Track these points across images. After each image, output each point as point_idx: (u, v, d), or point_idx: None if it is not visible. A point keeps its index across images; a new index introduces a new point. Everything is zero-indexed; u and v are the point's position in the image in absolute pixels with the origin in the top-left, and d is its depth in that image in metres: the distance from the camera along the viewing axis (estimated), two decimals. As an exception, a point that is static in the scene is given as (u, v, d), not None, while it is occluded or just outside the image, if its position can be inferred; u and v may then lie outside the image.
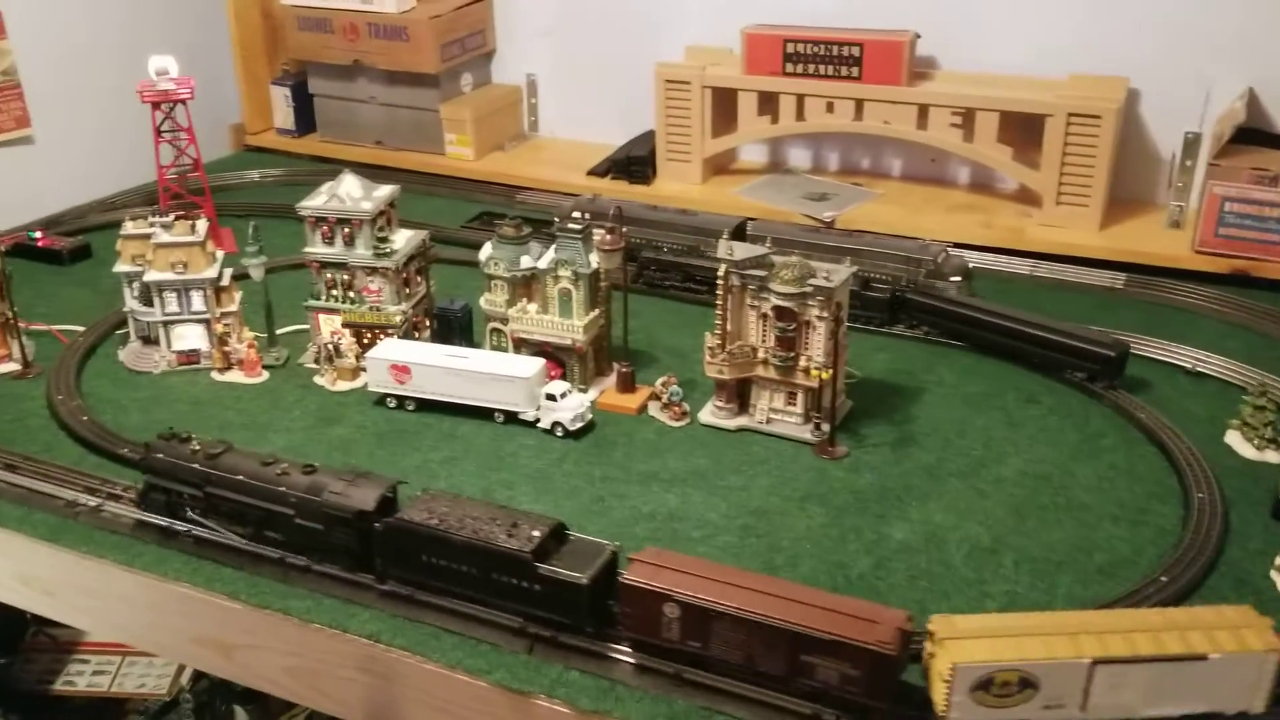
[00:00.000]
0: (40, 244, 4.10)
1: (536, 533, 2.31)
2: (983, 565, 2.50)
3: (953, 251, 3.70)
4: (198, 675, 4.28)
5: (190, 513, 2.60)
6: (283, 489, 2.49)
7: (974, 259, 3.81)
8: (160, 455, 2.64)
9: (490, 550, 2.29)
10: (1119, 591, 2.39)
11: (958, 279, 3.54)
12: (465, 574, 2.33)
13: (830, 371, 2.84)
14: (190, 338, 3.35)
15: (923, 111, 4.11)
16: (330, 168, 4.77)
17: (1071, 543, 2.57)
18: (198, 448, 2.62)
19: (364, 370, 3.24)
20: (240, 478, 2.54)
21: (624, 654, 2.25)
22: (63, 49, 4.64)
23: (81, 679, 4.46)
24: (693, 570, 2.20)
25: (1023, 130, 4.01)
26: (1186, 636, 2.03)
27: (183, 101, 3.76)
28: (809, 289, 2.83)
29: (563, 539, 2.36)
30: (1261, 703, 2.06)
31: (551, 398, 3.03)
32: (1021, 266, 3.89)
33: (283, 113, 5.19)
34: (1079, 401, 3.13)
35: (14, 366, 3.33)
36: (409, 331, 3.36)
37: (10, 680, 4.42)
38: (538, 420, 3.05)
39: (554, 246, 3.20)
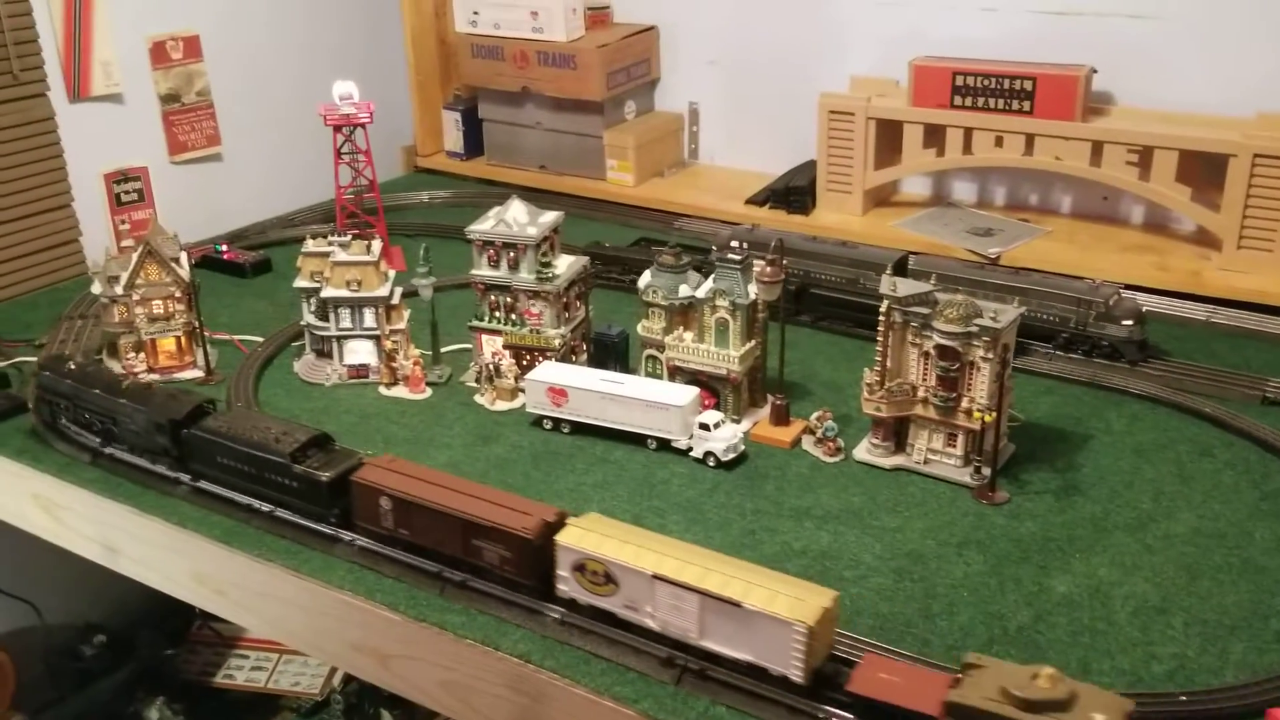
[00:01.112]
0: (225, 257, 4.33)
1: (298, 439, 2.79)
2: (1149, 625, 2.40)
3: (1125, 293, 3.57)
4: (348, 677, 4.42)
5: (62, 420, 3.14)
6: (122, 400, 3.02)
7: (1147, 302, 3.67)
8: (46, 373, 3.18)
9: (261, 453, 2.80)
10: (1299, 662, 2.27)
11: (1130, 322, 3.42)
12: (246, 472, 2.84)
13: (994, 414, 2.78)
14: (361, 352, 3.48)
15: (1097, 148, 3.99)
16: (496, 190, 4.94)
17: (1247, 607, 2.45)
18: (72, 367, 3.18)
19: (522, 391, 3.31)
20: (95, 391, 3.07)
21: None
22: (251, 72, 4.90)
23: (240, 673, 4.67)
24: (410, 473, 2.65)
25: (1204, 170, 3.86)
26: (737, 583, 2.20)
27: (362, 125, 3.92)
28: (974, 329, 2.78)
29: (324, 447, 2.82)
30: (799, 674, 2.14)
31: (705, 427, 3.04)
32: (1198, 312, 3.73)
33: (452, 136, 5.36)
34: (1257, 456, 2.98)
35: (198, 373, 3.52)
36: (567, 355, 3.42)
37: (175, 670, 4.65)
38: (690, 449, 3.07)
39: (712, 276, 3.21)
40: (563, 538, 2.40)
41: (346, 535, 2.73)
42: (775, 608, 2.14)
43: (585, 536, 2.40)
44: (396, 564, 2.64)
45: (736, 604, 2.18)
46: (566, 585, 2.41)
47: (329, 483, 2.72)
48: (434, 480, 2.64)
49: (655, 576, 2.28)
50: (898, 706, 2.01)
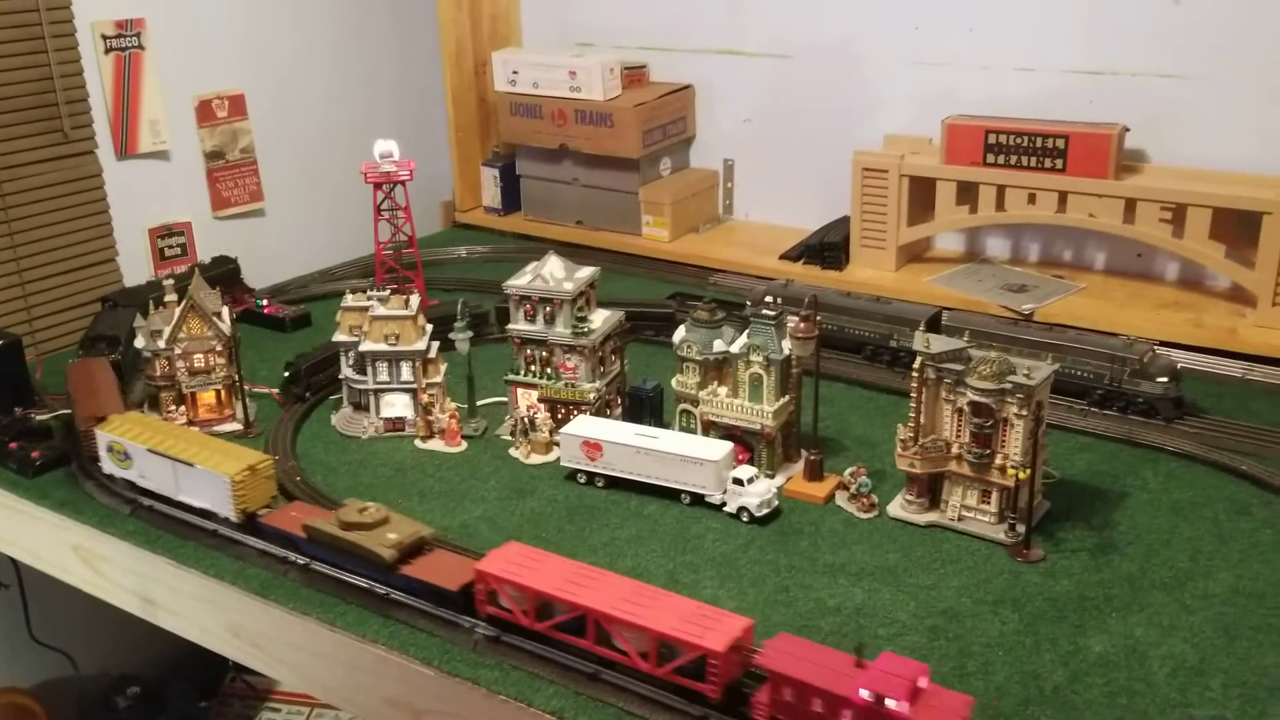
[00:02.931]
0: (266, 311, 4.40)
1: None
2: (1187, 686, 2.37)
3: (1160, 350, 3.56)
4: (381, 731, 4.42)
5: None
6: None
7: (1183, 359, 3.66)
8: None
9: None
10: (1343, 727, 2.23)
11: (1165, 379, 3.41)
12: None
13: (1028, 471, 2.77)
14: (398, 406, 3.52)
15: (1130, 205, 4.00)
16: (533, 245, 5.00)
17: (1289, 669, 2.42)
18: None
19: (557, 445, 3.33)
20: None
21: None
22: (294, 130, 5.01)
23: (273, 726, 4.68)
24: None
25: (1238, 227, 3.85)
26: (195, 450, 3.03)
27: (402, 182, 3.99)
28: (1008, 386, 2.78)
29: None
30: (232, 514, 2.96)
31: (739, 482, 3.05)
32: (1234, 369, 3.71)
33: (490, 192, 5.44)
34: (1298, 516, 2.95)
35: (236, 426, 3.57)
36: (601, 408, 3.44)
37: (209, 722, 4.66)
38: (724, 504, 3.07)
39: (747, 331, 3.24)
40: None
41: (381, 590, 2.75)
42: (214, 466, 2.96)
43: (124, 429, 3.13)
44: (430, 618, 2.65)
45: (190, 464, 2.99)
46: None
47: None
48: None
49: (150, 450, 3.07)
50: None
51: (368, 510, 2.82)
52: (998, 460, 2.85)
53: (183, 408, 3.54)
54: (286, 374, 3.76)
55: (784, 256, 4.69)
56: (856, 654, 2.16)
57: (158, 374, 3.52)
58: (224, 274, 4.39)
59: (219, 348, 3.52)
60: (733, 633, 2.28)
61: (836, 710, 2.09)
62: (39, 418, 3.56)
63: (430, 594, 2.66)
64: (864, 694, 2.05)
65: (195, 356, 3.50)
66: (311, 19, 5.02)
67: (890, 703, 2.02)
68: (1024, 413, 2.78)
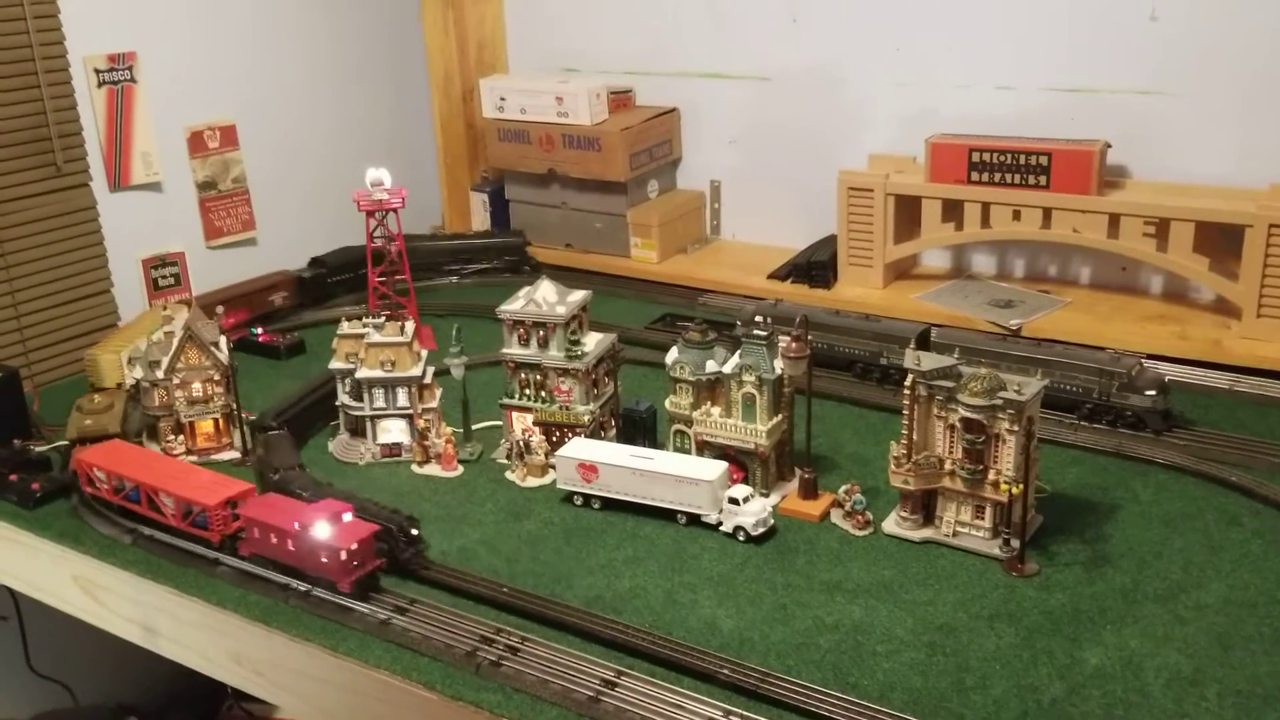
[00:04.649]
0: (260, 339, 4.42)
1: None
2: (1183, 697, 2.41)
3: (1147, 363, 3.61)
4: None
5: None
6: None
7: (1169, 371, 3.71)
8: None
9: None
10: (1336, 733, 2.27)
11: (1153, 392, 3.46)
12: None
13: (1021, 486, 2.81)
14: (394, 431, 3.54)
15: (1114, 220, 4.05)
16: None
17: (1281, 677, 2.45)
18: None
19: (553, 468, 3.35)
20: None
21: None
22: (285, 159, 5.05)
23: (272, 753, 4.67)
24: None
25: (1221, 240, 3.91)
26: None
27: (395, 210, 4.02)
28: (999, 402, 2.82)
29: None
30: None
31: (734, 501, 3.08)
32: (1221, 380, 3.76)
33: (480, 216, 5.48)
34: (1287, 525, 3.00)
35: (234, 454, 3.58)
36: (596, 430, 3.47)
37: (208, 751, 4.66)
38: (720, 523, 3.10)
39: (738, 352, 3.27)
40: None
41: (383, 614, 2.78)
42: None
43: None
44: (434, 643, 2.68)
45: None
46: None
47: None
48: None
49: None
50: None
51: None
52: (990, 475, 2.89)
53: (181, 437, 3.55)
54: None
55: (772, 276, 4.73)
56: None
57: (156, 403, 3.54)
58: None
59: (217, 377, 3.54)
60: (226, 493, 3.06)
61: (284, 538, 2.88)
62: (37, 449, 3.58)
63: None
64: (296, 525, 2.85)
65: (193, 386, 3.52)
66: (301, 50, 5.06)
67: (313, 530, 2.83)
68: (1015, 428, 2.82)
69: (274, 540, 2.92)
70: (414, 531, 3.01)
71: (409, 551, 2.98)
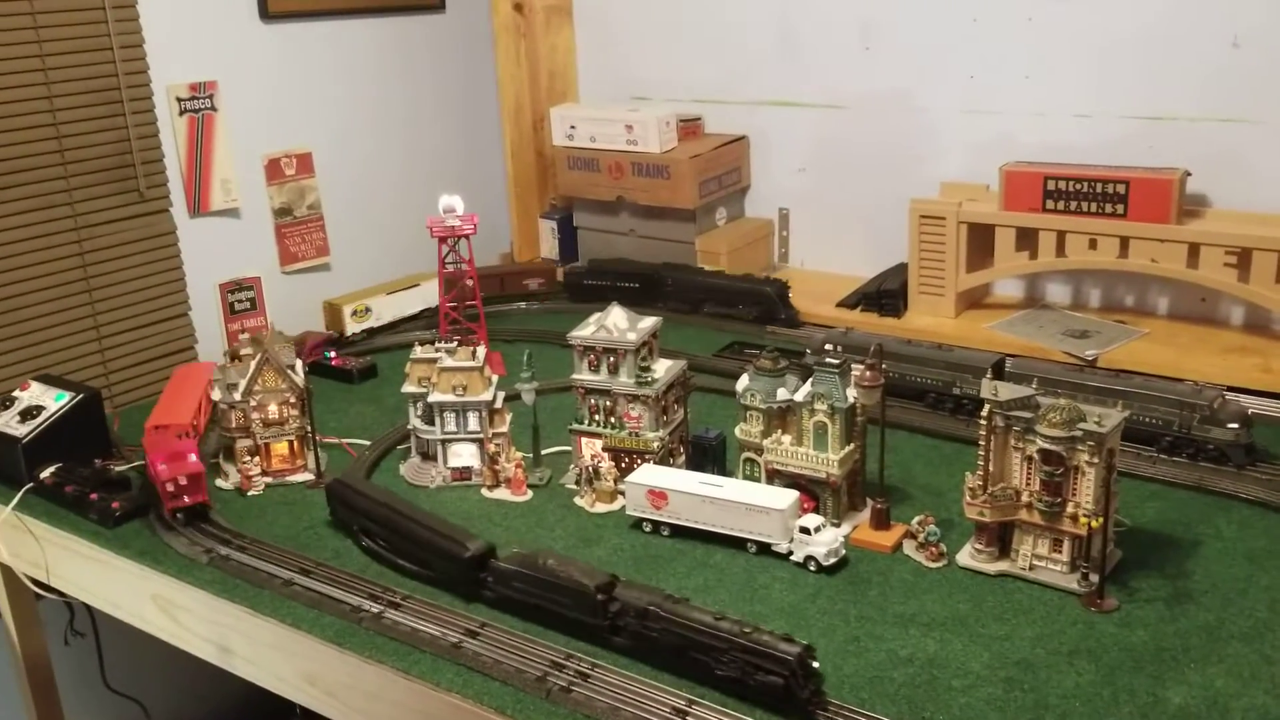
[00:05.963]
0: (334, 363, 4.48)
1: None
2: (1273, 739, 2.34)
3: (1229, 396, 3.53)
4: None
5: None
6: None
7: (1252, 404, 3.63)
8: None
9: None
10: None
11: (1235, 425, 3.38)
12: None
13: (1100, 520, 2.75)
14: (464, 455, 3.57)
15: (1193, 250, 3.98)
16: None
17: (1376, 721, 2.37)
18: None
19: (622, 494, 3.35)
20: None
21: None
22: (359, 186, 5.13)
23: (339, 774, 4.68)
24: None
25: (1306, 271, 3.83)
26: None
27: (467, 236, 4.07)
28: (1079, 433, 2.77)
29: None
30: None
31: (806, 531, 3.05)
32: (1305, 414, 3.67)
33: (548, 243, 5.53)
34: (1378, 564, 2.91)
35: (308, 476, 3.63)
36: (665, 457, 3.47)
37: (275, 771, 4.68)
38: (791, 553, 3.08)
39: (810, 380, 3.25)
40: None
41: (454, 637, 2.79)
42: None
43: None
44: (504, 667, 2.68)
45: None
46: None
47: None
48: None
49: None
50: None
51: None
52: (1069, 509, 2.84)
53: (257, 458, 3.61)
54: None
55: (841, 304, 4.71)
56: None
57: (233, 425, 3.60)
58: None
59: (292, 399, 3.60)
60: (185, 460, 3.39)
61: (158, 472, 3.31)
62: (117, 469, 3.65)
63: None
64: (161, 467, 3.33)
65: (270, 408, 3.58)
66: (375, 79, 5.15)
67: (158, 465, 3.32)
68: (1095, 460, 2.77)
69: (154, 472, 3.38)
70: (815, 664, 2.46)
71: (807, 690, 2.42)
